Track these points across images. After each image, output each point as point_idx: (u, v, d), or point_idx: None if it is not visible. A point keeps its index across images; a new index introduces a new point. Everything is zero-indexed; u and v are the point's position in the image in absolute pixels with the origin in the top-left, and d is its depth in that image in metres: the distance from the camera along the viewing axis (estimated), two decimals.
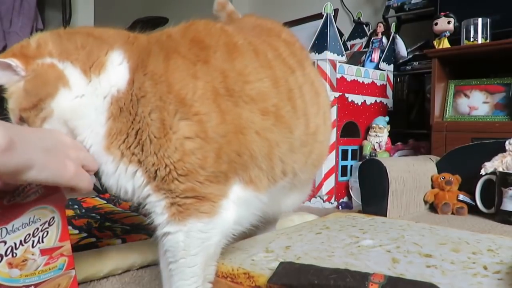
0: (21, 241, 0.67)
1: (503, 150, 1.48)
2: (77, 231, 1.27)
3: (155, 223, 0.69)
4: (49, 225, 0.71)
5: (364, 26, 2.69)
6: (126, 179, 0.69)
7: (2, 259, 0.66)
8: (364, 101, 2.23)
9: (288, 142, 0.79)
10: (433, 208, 1.63)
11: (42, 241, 0.70)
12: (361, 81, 2.22)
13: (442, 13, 2.04)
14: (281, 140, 0.77)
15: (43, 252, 0.70)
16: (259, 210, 0.78)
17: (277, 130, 0.76)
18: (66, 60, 0.68)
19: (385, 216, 1.44)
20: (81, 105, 0.68)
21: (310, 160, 0.89)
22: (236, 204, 0.72)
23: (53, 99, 0.67)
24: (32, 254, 0.69)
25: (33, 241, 0.69)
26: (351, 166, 2.18)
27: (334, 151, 2.09)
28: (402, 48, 2.45)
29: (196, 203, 0.67)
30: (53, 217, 0.71)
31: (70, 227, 1.33)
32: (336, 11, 2.35)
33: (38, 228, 0.69)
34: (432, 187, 1.65)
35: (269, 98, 0.76)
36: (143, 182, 0.68)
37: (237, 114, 0.71)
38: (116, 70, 0.69)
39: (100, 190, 2.35)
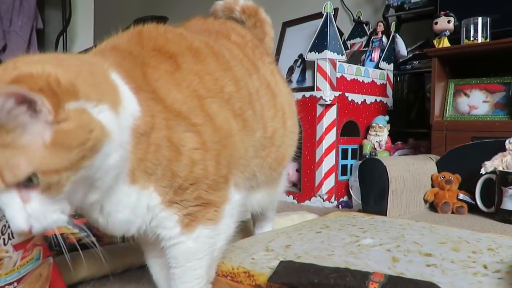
0: None
1: (503, 149, 1.48)
2: (77, 231, 1.27)
3: (165, 236, 0.68)
4: None
5: (364, 25, 2.69)
6: (143, 204, 0.64)
7: None
8: (364, 100, 2.23)
9: (253, 146, 0.81)
10: (433, 207, 1.63)
11: (13, 237, 0.69)
12: (361, 80, 2.22)
13: (442, 12, 2.04)
14: (249, 144, 0.79)
15: (16, 247, 0.69)
16: (241, 211, 0.80)
17: (245, 133, 0.77)
18: (102, 101, 0.55)
19: (385, 215, 1.44)
20: (122, 154, 0.59)
21: (266, 164, 0.90)
22: (237, 208, 0.74)
23: (98, 155, 0.54)
24: (6, 252, 0.68)
25: (4, 239, 0.69)
26: (351, 165, 2.18)
27: (334, 150, 2.09)
28: (402, 47, 2.44)
29: (203, 210, 0.68)
30: None
31: (70, 227, 1.33)
32: (336, 10, 2.34)
33: (5, 226, 0.69)
34: (432, 186, 1.65)
35: (235, 102, 0.77)
36: (158, 201, 0.65)
37: (223, 116, 0.72)
38: (127, 94, 0.61)
39: None
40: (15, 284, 0.68)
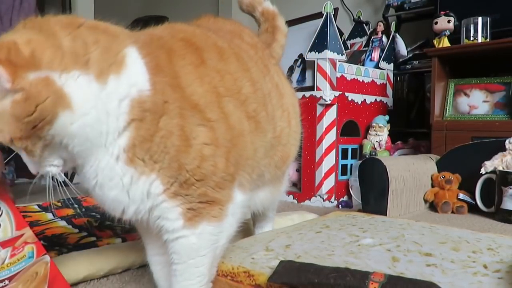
0: None
1: (503, 149, 1.48)
2: (77, 230, 1.28)
3: (167, 228, 0.68)
4: None
5: (364, 25, 2.69)
6: (142, 189, 0.64)
7: None
8: (364, 100, 2.23)
9: (263, 146, 0.81)
10: (433, 207, 1.63)
11: None
12: (361, 80, 2.22)
13: (442, 12, 2.04)
14: (259, 145, 0.79)
15: (3, 244, 0.69)
16: (244, 212, 0.80)
17: (257, 134, 0.78)
18: (72, 69, 0.56)
19: (385, 215, 1.44)
20: (89, 122, 0.58)
21: (273, 162, 0.91)
22: (237, 209, 0.74)
23: (52, 126, 0.55)
24: None
25: None
26: (351, 165, 2.18)
27: (334, 150, 2.09)
28: (402, 47, 2.45)
29: (208, 207, 0.68)
30: None
31: (70, 226, 1.33)
32: (336, 10, 2.34)
33: None
34: (432, 186, 1.65)
35: (251, 103, 0.77)
36: (161, 190, 0.64)
37: (237, 117, 0.72)
38: (137, 67, 0.62)
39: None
40: (6, 281, 0.68)
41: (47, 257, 0.72)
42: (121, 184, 0.63)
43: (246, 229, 1.21)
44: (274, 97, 0.89)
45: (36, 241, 0.72)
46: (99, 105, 0.58)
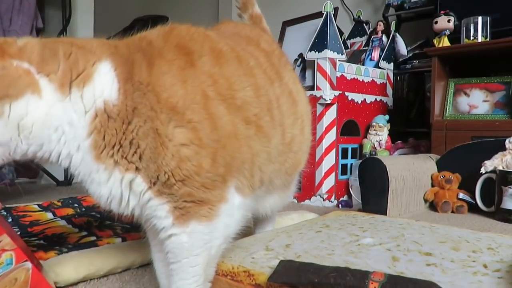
0: None
1: (503, 148, 1.48)
2: (77, 230, 1.27)
3: (158, 226, 0.69)
4: None
5: (364, 24, 2.69)
6: (122, 187, 0.67)
7: None
8: (364, 99, 2.23)
9: (266, 151, 0.81)
10: (433, 206, 1.63)
11: None
12: (361, 80, 2.22)
13: (442, 12, 2.04)
14: (260, 150, 0.79)
15: None
16: (244, 217, 0.79)
17: (257, 139, 0.78)
18: (42, 73, 0.64)
19: (385, 214, 1.44)
20: (52, 119, 0.64)
21: (283, 168, 0.91)
22: (236, 210, 0.74)
23: (12, 101, 0.62)
24: None
25: None
26: (351, 164, 2.18)
27: (334, 150, 2.09)
28: (402, 47, 2.45)
29: (195, 207, 0.68)
30: None
31: (70, 226, 1.33)
32: (336, 9, 2.34)
33: None
34: (432, 186, 1.65)
35: (251, 108, 0.77)
36: (144, 188, 0.67)
37: (229, 120, 0.72)
38: (103, 80, 0.66)
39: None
40: None
41: (28, 264, 0.73)
42: (97, 179, 0.67)
43: (246, 229, 1.21)
44: (284, 103, 0.89)
45: (15, 248, 0.72)
46: (62, 111, 0.64)
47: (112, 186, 0.67)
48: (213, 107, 0.70)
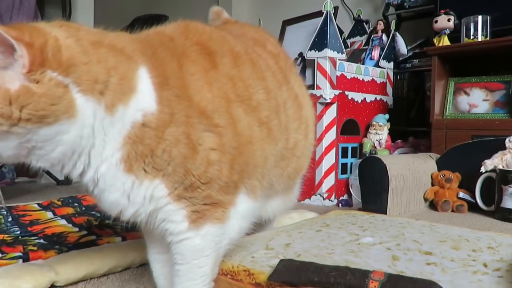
0: None
1: (503, 147, 1.48)
2: (77, 229, 1.27)
3: (173, 231, 0.68)
4: None
5: (364, 23, 2.69)
6: (144, 193, 0.65)
7: None
8: (364, 98, 2.23)
9: (274, 155, 0.81)
10: (433, 205, 1.63)
11: None
12: (361, 79, 2.22)
13: (442, 11, 2.04)
14: (270, 153, 0.79)
15: None
16: (254, 218, 0.80)
17: (268, 142, 0.78)
18: (87, 93, 0.57)
19: (385, 213, 1.44)
20: (84, 136, 0.59)
21: (285, 173, 0.91)
22: (241, 214, 0.74)
23: (44, 127, 0.55)
24: None
25: None
26: (351, 164, 2.18)
27: (334, 149, 2.09)
28: (402, 46, 2.44)
29: (211, 209, 0.69)
30: None
31: (70, 225, 1.33)
32: (336, 8, 2.34)
33: None
34: (432, 185, 1.65)
35: (263, 110, 0.77)
36: (165, 193, 0.65)
37: (247, 123, 0.72)
38: (144, 91, 0.62)
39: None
40: None
41: None
42: (122, 189, 0.64)
43: None
44: (290, 107, 0.89)
45: None
46: (99, 126, 0.60)
47: (136, 195, 0.65)
48: (234, 111, 0.70)
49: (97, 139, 0.60)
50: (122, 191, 0.64)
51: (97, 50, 0.60)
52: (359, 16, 2.74)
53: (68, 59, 0.56)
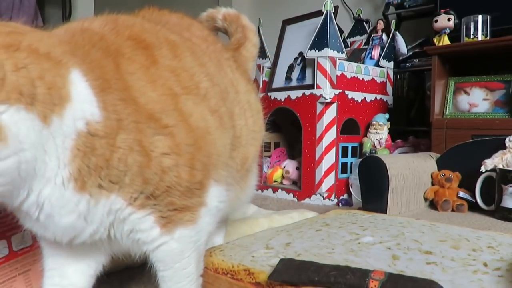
0: None
1: (503, 147, 1.48)
2: None
3: (145, 240, 0.65)
4: None
5: (364, 23, 2.69)
6: (102, 211, 0.59)
7: None
8: (364, 98, 2.23)
9: (229, 143, 0.79)
10: (433, 205, 1.63)
11: None
12: (361, 78, 2.22)
13: (442, 10, 2.03)
14: (226, 141, 0.77)
15: None
16: (223, 208, 0.78)
17: (222, 130, 0.75)
18: (15, 103, 0.50)
19: (385, 213, 1.44)
20: (26, 159, 0.51)
21: (234, 164, 0.86)
22: (217, 208, 0.72)
23: None
24: None
25: None
26: (351, 163, 2.18)
27: (334, 148, 2.09)
28: (402, 45, 2.44)
29: (178, 214, 0.66)
30: None
31: None
32: (336, 8, 2.34)
33: None
34: (432, 184, 1.65)
35: (212, 97, 0.74)
36: (123, 205, 0.61)
37: (199, 114, 0.69)
38: (82, 96, 0.56)
39: None
40: None
41: None
42: (77, 211, 0.58)
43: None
44: (230, 92, 0.85)
45: None
46: (39, 143, 0.53)
47: (94, 215, 0.59)
48: (183, 105, 0.66)
49: (38, 157, 0.53)
50: (77, 214, 0.58)
51: (11, 55, 0.51)
52: (359, 15, 2.74)
53: None
